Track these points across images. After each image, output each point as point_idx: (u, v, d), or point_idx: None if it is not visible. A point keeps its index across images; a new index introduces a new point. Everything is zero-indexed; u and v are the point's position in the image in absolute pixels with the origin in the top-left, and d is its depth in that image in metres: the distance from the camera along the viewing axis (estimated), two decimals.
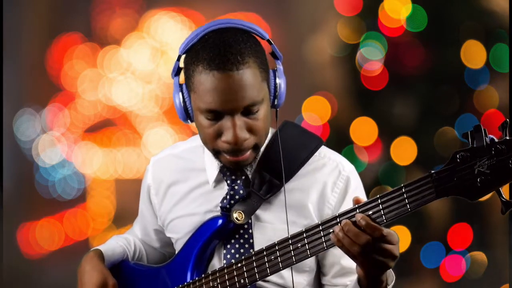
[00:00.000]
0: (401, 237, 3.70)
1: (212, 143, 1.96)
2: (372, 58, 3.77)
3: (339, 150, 2.14)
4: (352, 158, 3.71)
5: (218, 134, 1.94)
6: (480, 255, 3.71)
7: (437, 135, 3.71)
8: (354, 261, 1.78)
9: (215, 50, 1.90)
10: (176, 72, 2.00)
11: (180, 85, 1.99)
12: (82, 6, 3.92)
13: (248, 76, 1.90)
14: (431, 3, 3.74)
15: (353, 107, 3.81)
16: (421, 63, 3.77)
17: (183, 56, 1.99)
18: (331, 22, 3.82)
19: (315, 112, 3.79)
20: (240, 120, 1.92)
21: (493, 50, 3.71)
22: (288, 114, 2.08)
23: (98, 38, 3.92)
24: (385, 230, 1.75)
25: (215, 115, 1.92)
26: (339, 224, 1.77)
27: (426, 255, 3.71)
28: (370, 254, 1.74)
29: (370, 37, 3.77)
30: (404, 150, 3.76)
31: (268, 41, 1.99)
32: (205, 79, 1.90)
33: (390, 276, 1.87)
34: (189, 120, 2.00)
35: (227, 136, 1.92)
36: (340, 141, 3.72)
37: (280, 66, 2.02)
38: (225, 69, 1.89)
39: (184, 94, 1.97)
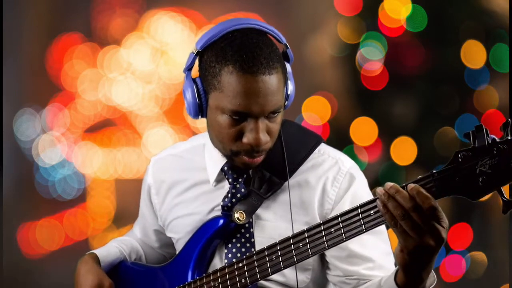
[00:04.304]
0: None
1: (230, 144, 1.96)
2: (372, 58, 3.77)
3: (339, 150, 2.14)
4: (352, 158, 3.69)
5: (239, 135, 1.94)
6: (480, 255, 3.71)
7: (437, 135, 3.71)
8: (395, 231, 1.68)
9: (247, 53, 1.90)
10: (190, 67, 1.99)
11: (193, 80, 1.98)
12: (82, 6, 3.92)
13: (277, 81, 1.92)
14: (431, 3, 3.74)
15: (353, 107, 3.81)
16: (421, 63, 3.77)
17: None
18: (331, 22, 3.82)
19: (315, 112, 3.79)
20: (263, 123, 1.93)
21: (493, 50, 3.71)
22: (288, 114, 2.08)
23: (98, 38, 3.92)
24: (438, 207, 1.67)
25: (240, 116, 1.92)
26: (379, 191, 1.68)
27: None
28: (416, 223, 1.66)
29: (370, 37, 3.77)
30: (404, 150, 3.76)
31: (285, 45, 2.00)
32: (237, 81, 1.90)
33: (431, 277, 1.79)
34: (200, 116, 1.99)
35: (250, 138, 1.93)
36: (340, 141, 3.72)
37: (289, 69, 2.02)
38: (258, 73, 1.89)
39: (200, 90, 1.97)
